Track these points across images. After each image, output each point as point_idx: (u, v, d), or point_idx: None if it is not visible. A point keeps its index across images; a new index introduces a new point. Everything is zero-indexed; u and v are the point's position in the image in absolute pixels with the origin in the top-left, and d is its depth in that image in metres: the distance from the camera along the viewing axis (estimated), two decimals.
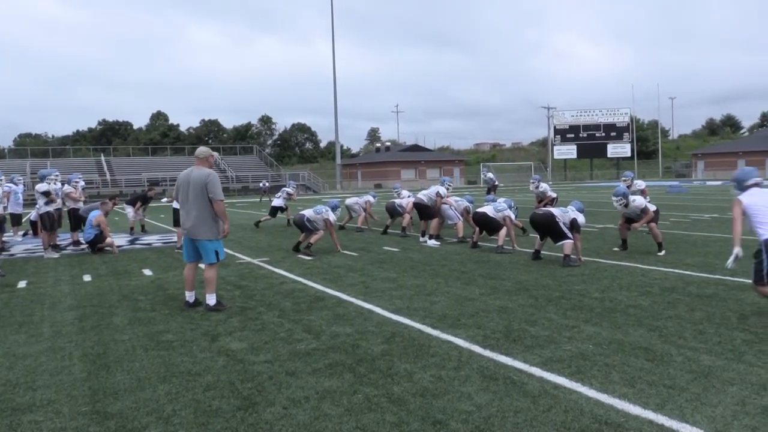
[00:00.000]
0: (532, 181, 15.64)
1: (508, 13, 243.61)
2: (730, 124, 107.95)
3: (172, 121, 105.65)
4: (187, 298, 6.76)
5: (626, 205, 9.76)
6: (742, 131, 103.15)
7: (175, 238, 13.30)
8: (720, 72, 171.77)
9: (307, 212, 10.84)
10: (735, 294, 6.62)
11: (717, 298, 6.47)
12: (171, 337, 5.48)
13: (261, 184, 37.71)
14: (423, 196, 12.68)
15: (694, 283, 7.32)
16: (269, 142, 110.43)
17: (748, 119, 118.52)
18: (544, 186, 15.29)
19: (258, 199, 37.70)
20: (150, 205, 17.52)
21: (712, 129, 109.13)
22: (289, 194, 18.34)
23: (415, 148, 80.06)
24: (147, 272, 9.36)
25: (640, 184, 12.61)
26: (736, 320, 5.52)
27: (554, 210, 9.34)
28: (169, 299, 7.24)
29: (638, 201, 9.78)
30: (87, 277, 9.02)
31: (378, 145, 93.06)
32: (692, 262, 8.78)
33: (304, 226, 10.83)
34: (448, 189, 12.61)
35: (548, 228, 9.21)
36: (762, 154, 66.05)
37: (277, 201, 17.96)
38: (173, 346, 5.19)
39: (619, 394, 3.82)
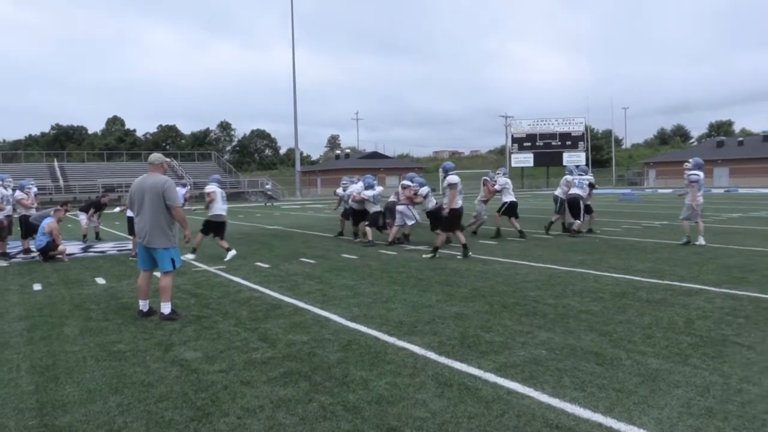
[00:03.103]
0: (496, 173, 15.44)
1: (467, 23, 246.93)
2: (680, 133, 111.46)
3: (129, 126, 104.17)
4: (140, 307, 6.63)
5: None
6: (691, 141, 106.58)
7: (130, 246, 13.02)
8: (671, 83, 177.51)
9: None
10: (682, 299, 6.83)
11: (665, 303, 6.67)
12: (123, 347, 5.38)
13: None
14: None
15: (644, 288, 7.52)
16: (228, 148, 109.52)
17: (697, 129, 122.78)
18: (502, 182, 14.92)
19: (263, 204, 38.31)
20: (104, 212, 17.12)
21: (663, 138, 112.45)
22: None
23: (375, 155, 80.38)
24: (100, 281, 9.15)
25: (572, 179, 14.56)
26: (682, 324, 5.70)
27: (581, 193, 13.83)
28: (123, 308, 7.09)
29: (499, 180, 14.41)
30: (37, 286, 8.77)
31: (338, 152, 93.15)
32: (643, 268, 9.03)
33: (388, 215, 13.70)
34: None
35: (574, 207, 13.72)
36: (710, 163, 68.19)
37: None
38: (126, 357, 5.09)
39: (570, 398, 3.90)
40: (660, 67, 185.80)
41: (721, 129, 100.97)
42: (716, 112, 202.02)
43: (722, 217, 19.24)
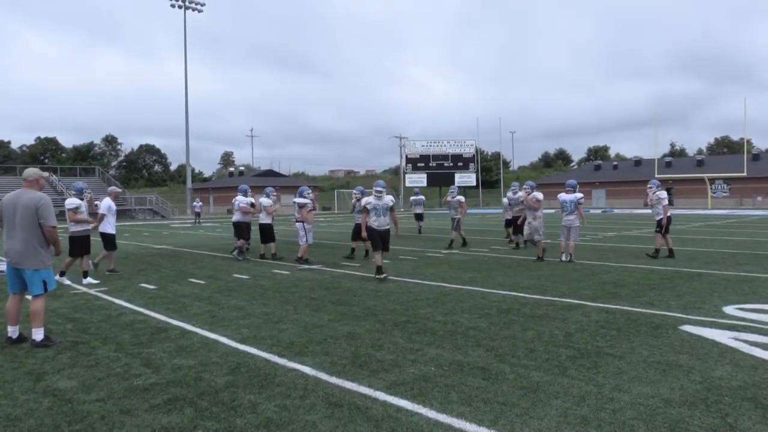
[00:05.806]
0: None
1: (366, 44, 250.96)
2: (562, 157, 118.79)
3: (2, 137, 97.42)
4: (9, 334, 6.14)
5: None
6: (572, 164, 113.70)
7: (2, 267, 12.03)
8: (554, 110, 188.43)
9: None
10: (562, 314, 7.20)
11: (547, 317, 7.00)
12: None
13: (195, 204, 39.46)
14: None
15: (528, 304, 7.86)
16: (114, 163, 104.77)
17: (577, 153, 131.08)
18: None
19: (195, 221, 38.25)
20: None
21: (547, 161, 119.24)
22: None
23: (270, 173, 79.50)
24: None
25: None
26: (562, 338, 6.00)
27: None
28: None
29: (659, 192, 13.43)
30: None
31: (231, 169, 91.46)
32: (528, 285, 9.45)
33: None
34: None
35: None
36: (589, 185, 73.20)
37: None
38: None
39: (457, 413, 3.99)
40: (544, 95, 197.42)
41: (598, 153, 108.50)
42: (594, 138, 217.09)
43: (599, 236, 20.56)
